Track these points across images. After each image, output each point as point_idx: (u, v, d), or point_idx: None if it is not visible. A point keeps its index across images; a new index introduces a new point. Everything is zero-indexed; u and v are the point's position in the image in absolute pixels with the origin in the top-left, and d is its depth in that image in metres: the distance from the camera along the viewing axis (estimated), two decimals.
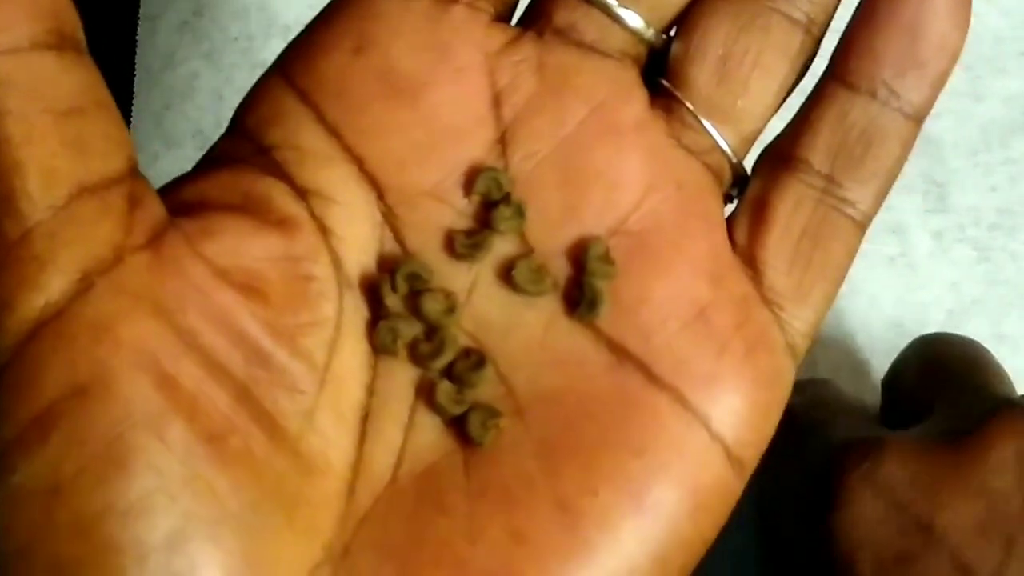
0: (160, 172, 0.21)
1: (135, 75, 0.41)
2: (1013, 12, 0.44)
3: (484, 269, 0.21)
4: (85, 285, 0.18)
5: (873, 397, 0.37)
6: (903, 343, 0.35)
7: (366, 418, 0.20)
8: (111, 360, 0.18)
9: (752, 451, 0.21)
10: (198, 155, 0.20)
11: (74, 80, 0.19)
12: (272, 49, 0.41)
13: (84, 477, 0.18)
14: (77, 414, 0.18)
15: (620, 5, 0.22)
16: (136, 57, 0.42)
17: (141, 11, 0.42)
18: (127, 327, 0.18)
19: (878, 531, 0.27)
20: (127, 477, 0.18)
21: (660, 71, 0.22)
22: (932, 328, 0.39)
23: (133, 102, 0.41)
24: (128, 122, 0.40)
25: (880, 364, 0.40)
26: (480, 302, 0.21)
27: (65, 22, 0.18)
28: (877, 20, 0.21)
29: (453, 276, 0.21)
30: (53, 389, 0.18)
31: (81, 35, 0.19)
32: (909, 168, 0.22)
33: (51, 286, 0.18)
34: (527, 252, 0.21)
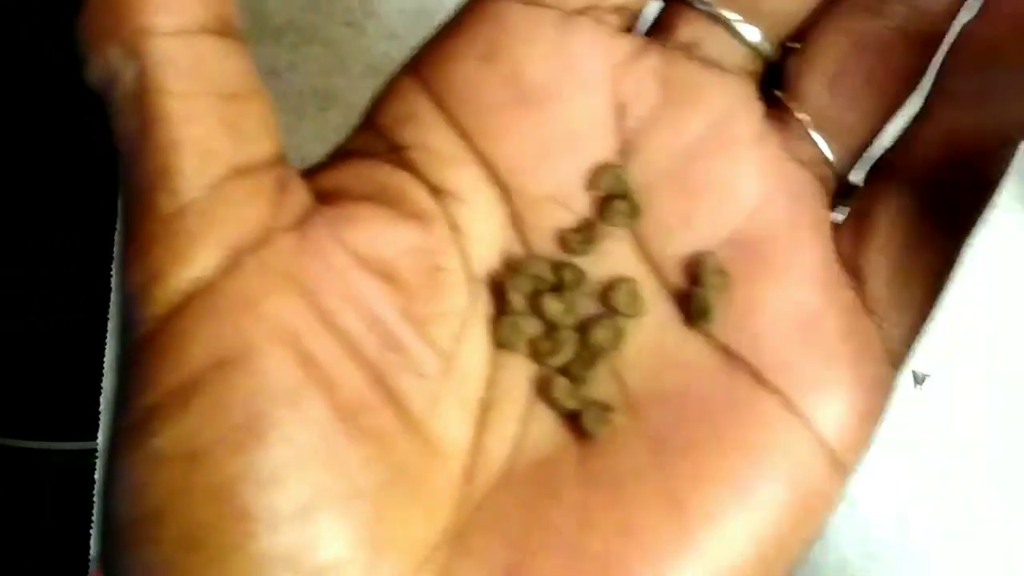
0: None
1: None
2: None
3: (602, 274, 0.22)
4: (233, 262, 0.19)
5: None
6: None
7: (486, 408, 0.21)
8: (255, 334, 0.19)
9: (854, 456, 0.21)
10: None
11: (234, 65, 0.19)
12: (264, 52, 0.41)
13: (222, 445, 0.18)
14: (219, 384, 0.18)
15: (742, 21, 0.22)
16: None
17: None
18: (271, 304, 0.19)
19: None
20: (264, 447, 0.18)
21: (776, 83, 0.23)
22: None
23: None
24: None
25: None
26: (597, 304, 0.22)
27: (228, 9, 0.19)
28: (990, 44, 0.21)
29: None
30: (198, 359, 0.18)
31: (240, 23, 0.20)
32: None
33: (201, 261, 0.19)
34: (628, 278, 0.22)
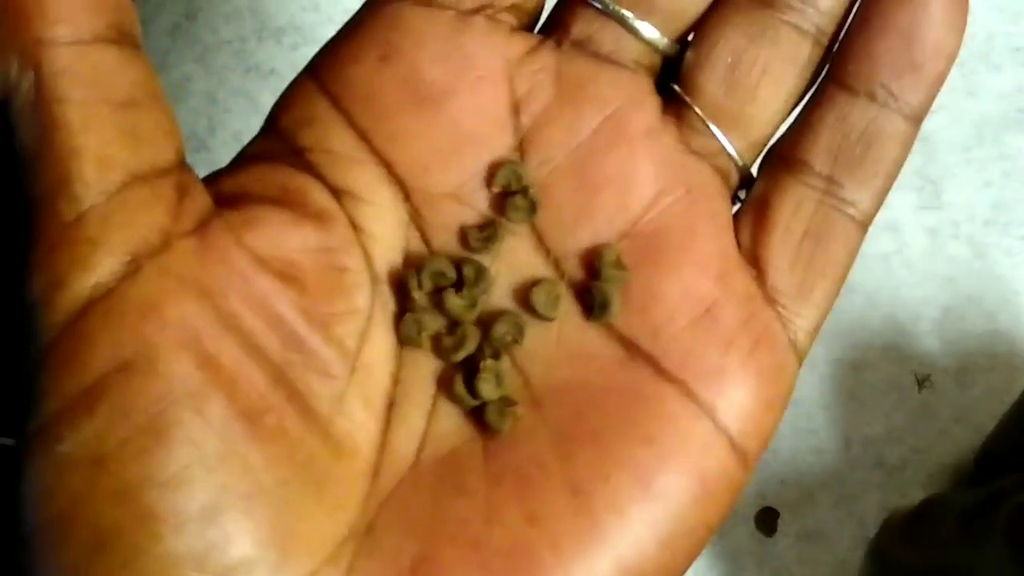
0: None
1: None
2: (1005, 7, 0.44)
3: (502, 269, 0.22)
4: (134, 267, 0.19)
5: (867, 393, 0.37)
6: (899, 339, 0.35)
7: (391, 405, 0.21)
8: (156, 338, 0.19)
9: (756, 443, 0.22)
10: (192, 157, 0.21)
11: (131, 73, 0.19)
12: (265, 52, 0.41)
13: (127, 448, 0.18)
14: (122, 388, 0.19)
15: (636, 17, 0.22)
16: None
17: None
18: (172, 308, 0.19)
19: None
20: (167, 450, 0.18)
21: (673, 78, 0.23)
22: (927, 324, 0.40)
23: None
24: None
25: (876, 360, 0.41)
26: (498, 299, 0.22)
27: (124, 18, 0.19)
28: (873, 24, 0.22)
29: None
30: (100, 364, 0.19)
31: (138, 31, 0.20)
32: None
33: (102, 267, 0.19)
34: (545, 278, 0.22)
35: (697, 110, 0.23)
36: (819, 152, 0.22)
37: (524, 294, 0.22)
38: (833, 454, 0.43)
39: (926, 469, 0.43)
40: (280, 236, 0.21)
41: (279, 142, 0.22)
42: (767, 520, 0.45)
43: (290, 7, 0.43)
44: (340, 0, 0.45)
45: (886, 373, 0.42)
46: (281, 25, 0.42)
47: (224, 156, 0.22)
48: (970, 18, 0.22)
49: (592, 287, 0.22)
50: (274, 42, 0.42)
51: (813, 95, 0.23)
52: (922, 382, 0.42)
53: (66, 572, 0.19)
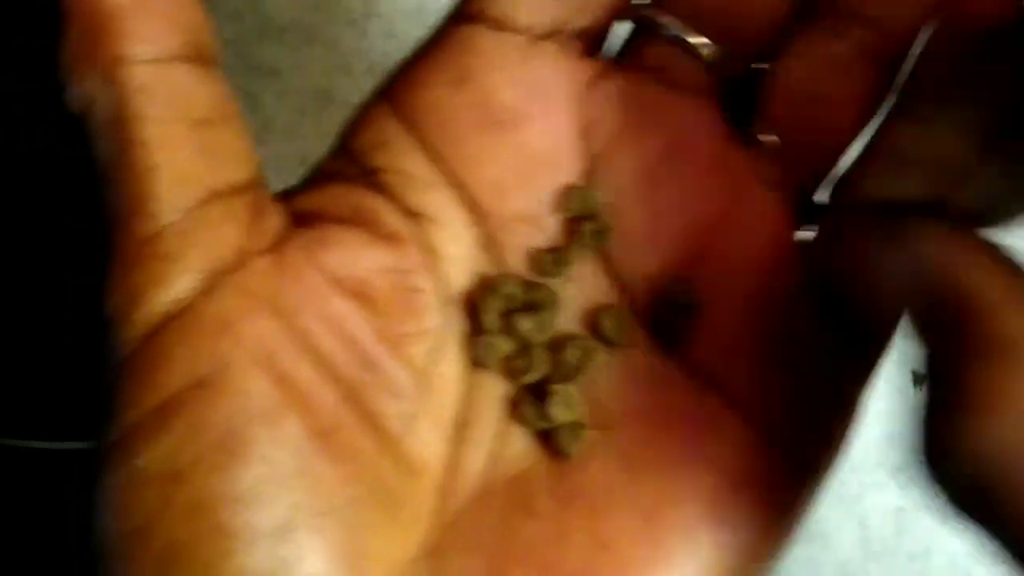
0: None
1: None
2: None
3: (571, 293, 0.22)
4: (210, 284, 0.19)
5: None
6: (899, 339, 0.36)
7: (461, 426, 0.21)
8: (231, 355, 0.19)
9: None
10: None
11: (208, 92, 0.20)
12: (266, 52, 0.41)
13: (201, 464, 0.18)
14: (198, 404, 0.19)
15: (705, 44, 0.23)
16: None
17: None
18: (248, 325, 0.19)
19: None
20: (241, 466, 0.19)
21: (741, 103, 0.23)
22: None
23: None
24: None
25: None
26: (566, 322, 0.22)
27: (202, 37, 0.20)
28: None
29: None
30: (176, 380, 0.19)
31: (215, 50, 0.20)
32: None
33: (179, 283, 0.19)
34: (612, 304, 0.22)
35: (763, 138, 0.23)
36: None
37: (592, 319, 0.22)
38: None
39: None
40: (354, 256, 0.21)
41: (350, 163, 0.22)
42: None
43: (291, 7, 0.43)
44: (340, 0, 0.45)
45: (886, 373, 0.42)
46: (283, 25, 0.42)
47: None
48: None
49: (659, 314, 0.22)
50: (275, 41, 0.42)
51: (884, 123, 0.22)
52: (922, 382, 0.43)
53: None
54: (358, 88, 0.51)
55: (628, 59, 0.23)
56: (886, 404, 0.27)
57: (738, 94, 0.23)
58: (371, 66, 0.50)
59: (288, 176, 0.22)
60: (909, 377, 0.28)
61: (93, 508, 0.19)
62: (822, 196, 0.23)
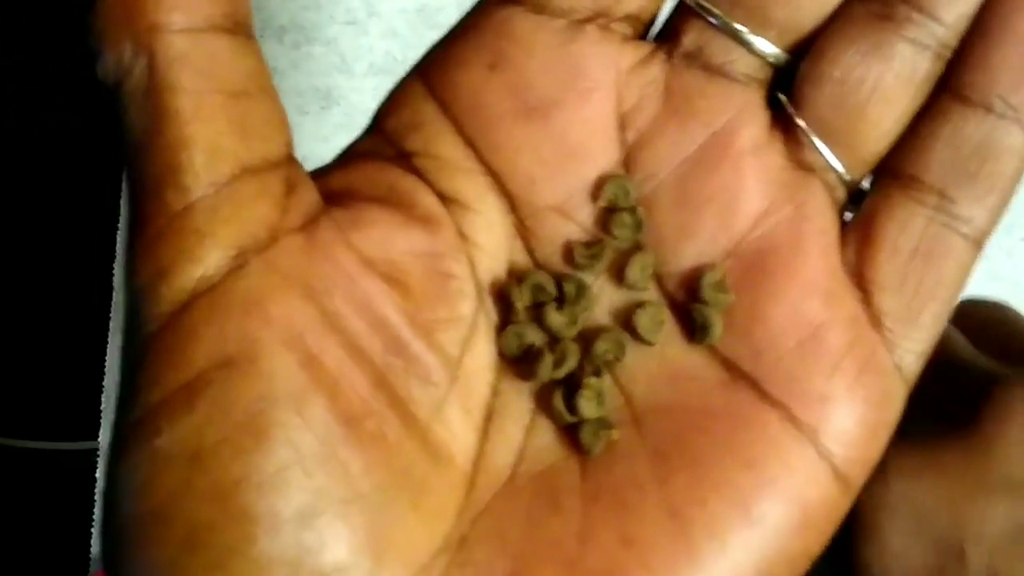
0: None
1: None
2: None
3: (604, 285, 0.22)
4: (240, 261, 0.19)
5: None
6: None
7: (490, 417, 0.21)
8: (260, 335, 0.18)
9: (859, 469, 0.21)
10: None
11: (244, 64, 0.19)
12: (267, 51, 0.41)
13: (225, 446, 0.18)
14: (223, 384, 0.18)
15: (750, 31, 0.22)
16: None
17: None
18: (277, 305, 0.19)
19: (908, 558, 0.26)
20: (266, 450, 0.18)
21: (783, 90, 0.22)
22: None
23: None
24: None
25: None
26: (599, 316, 0.22)
27: (239, 8, 0.19)
28: (992, 33, 0.21)
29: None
30: (202, 358, 0.18)
31: (252, 21, 0.20)
32: None
33: (208, 259, 0.18)
34: (647, 300, 0.22)
35: (803, 125, 0.22)
36: (931, 166, 0.21)
37: (625, 313, 0.22)
38: None
39: None
40: (387, 238, 0.20)
41: (385, 143, 0.22)
42: None
43: (291, 6, 0.42)
44: (340, 0, 0.45)
45: None
46: (283, 24, 0.42)
47: None
48: None
49: (693, 309, 0.21)
50: (275, 41, 0.42)
51: (925, 107, 0.22)
52: None
53: (158, 568, 0.18)
54: (358, 87, 0.51)
55: (667, 41, 0.23)
56: None
57: (779, 77, 0.23)
58: (371, 65, 0.50)
59: None
60: None
61: (92, 508, 0.19)
62: (865, 182, 0.23)
